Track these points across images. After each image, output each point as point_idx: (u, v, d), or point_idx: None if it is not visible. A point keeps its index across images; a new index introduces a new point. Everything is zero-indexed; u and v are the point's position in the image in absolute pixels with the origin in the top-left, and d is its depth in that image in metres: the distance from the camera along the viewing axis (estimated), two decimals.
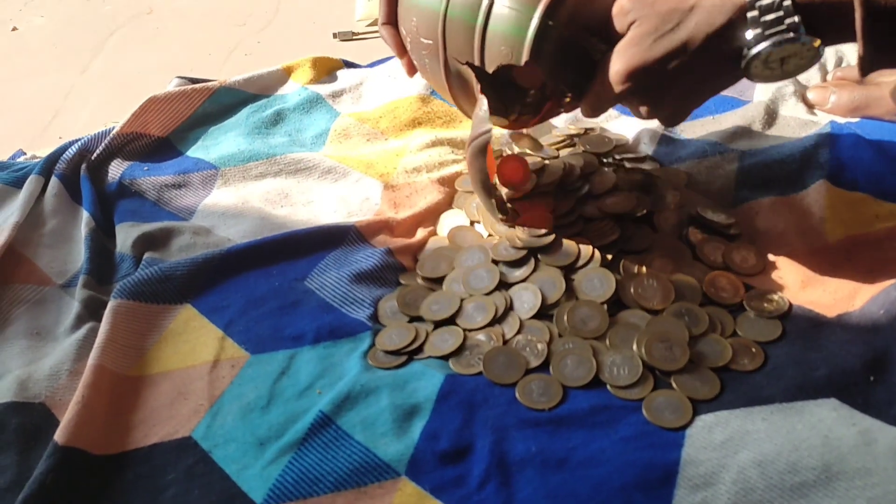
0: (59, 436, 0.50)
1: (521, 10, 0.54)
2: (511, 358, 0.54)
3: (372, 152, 0.77)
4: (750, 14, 0.47)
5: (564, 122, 0.78)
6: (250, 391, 0.54)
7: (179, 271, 0.63)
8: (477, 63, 0.57)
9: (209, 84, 0.86)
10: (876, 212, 0.62)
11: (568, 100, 0.61)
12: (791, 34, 0.47)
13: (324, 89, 0.87)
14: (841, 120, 0.72)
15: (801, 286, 0.58)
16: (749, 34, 0.47)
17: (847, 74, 0.77)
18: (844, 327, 0.54)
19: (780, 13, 0.46)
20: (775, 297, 0.57)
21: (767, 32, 0.47)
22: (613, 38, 0.52)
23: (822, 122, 0.72)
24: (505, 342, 0.56)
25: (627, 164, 0.70)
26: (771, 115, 0.74)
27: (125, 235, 0.68)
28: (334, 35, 1.07)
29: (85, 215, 0.71)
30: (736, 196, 0.66)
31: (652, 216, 0.64)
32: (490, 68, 0.56)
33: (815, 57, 0.49)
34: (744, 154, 0.69)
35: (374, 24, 1.09)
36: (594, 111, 0.57)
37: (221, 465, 0.50)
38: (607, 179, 0.66)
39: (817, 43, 0.47)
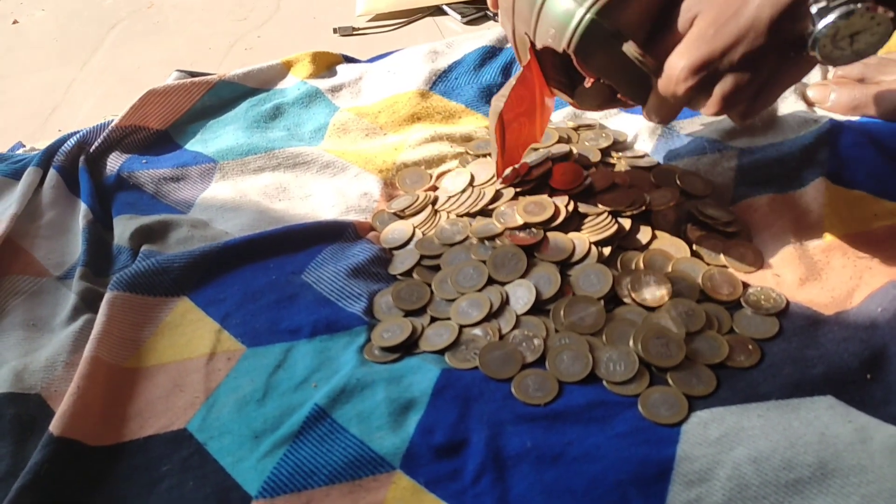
0: (54, 427, 0.50)
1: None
2: (507, 353, 0.54)
3: (371, 147, 0.77)
4: None
5: (563, 118, 0.78)
6: (246, 384, 0.54)
7: (177, 264, 0.63)
8: (532, 37, 0.56)
9: (208, 78, 0.86)
10: (875, 210, 0.62)
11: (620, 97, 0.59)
12: (858, 5, 0.44)
13: (323, 84, 0.87)
14: (841, 118, 0.72)
15: (798, 284, 0.58)
16: (813, 9, 0.45)
17: (848, 73, 0.76)
18: (842, 325, 0.54)
19: None
20: (773, 294, 0.57)
21: (833, 4, 0.44)
22: (674, 45, 0.51)
23: (821, 120, 0.72)
24: (501, 337, 0.56)
25: (626, 161, 0.70)
26: (770, 113, 0.73)
27: (123, 228, 0.68)
28: (334, 30, 1.07)
29: (83, 207, 0.71)
30: (734, 193, 0.66)
31: (650, 213, 0.64)
32: (538, 45, 0.56)
33: (886, 33, 0.46)
34: (742, 151, 0.69)
35: (374, 19, 1.09)
36: (660, 116, 0.55)
37: (216, 457, 0.50)
38: (606, 175, 0.66)
39: (890, 14, 0.45)
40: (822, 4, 0.45)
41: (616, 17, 0.52)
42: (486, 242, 0.62)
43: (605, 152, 0.71)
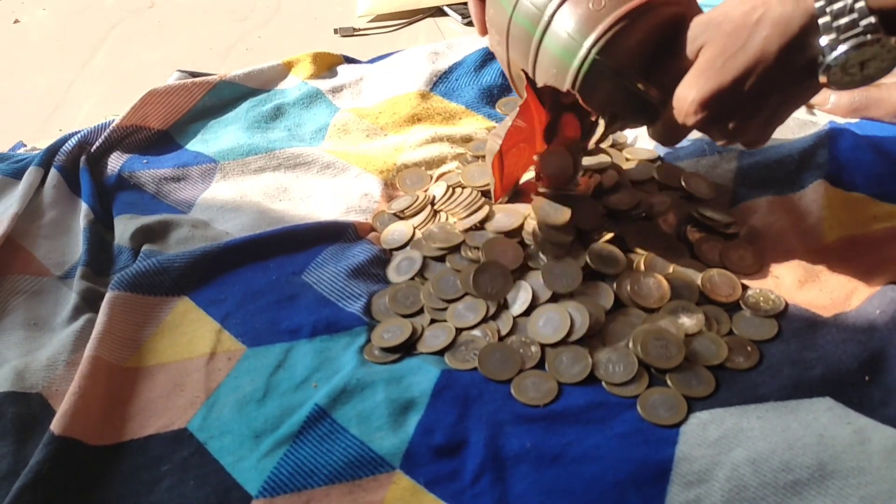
0: (55, 426, 0.50)
1: (573, 37, 0.52)
2: (506, 354, 0.54)
3: (371, 148, 0.77)
4: (822, 20, 0.44)
5: None
6: (246, 384, 0.55)
7: (177, 264, 0.63)
8: (531, 74, 0.56)
9: (209, 78, 0.86)
10: (874, 212, 0.62)
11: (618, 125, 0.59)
12: (868, 36, 0.44)
13: (324, 84, 0.87)
14: (840, 120, 0.72)
15: (797, 285, 0.58)
16: (823, 41, 0.45)
17: None
18: (840, 327, 0.54)
19: (855, 15, 0.44)
20: (772, 296, 0.57)
21: (843, 37, 0.44)
22: (681, 72, 0.50)
23: (821, 122, 0.72)
24: (500, 339, 0.56)
25: (627, 162, 0.70)
26: None
27: (123, 228, 0.69)
28: (335, 31, 1.07)
29: (84, 207, 0.71)
30: (734, 195, 0.66)
31: (651, 214, 0.64)
32: (539, 83, 0.56)
33: (895, 59, 0.46)
34: (743, 153, 0.69)
35: (375, 20, 1.09)
36: (666, 142, 0.55)
37: (217, 456, 0.50)
38: (610, 177, 0.66)
39: None
40: (832, 36, 0.44)
41: (618, 52, 0.52)
42: (470, 253, 0.61)
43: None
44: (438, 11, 1.09)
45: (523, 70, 0.57)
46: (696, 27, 0.50)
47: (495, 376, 0.53)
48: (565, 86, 0.54)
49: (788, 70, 0.47)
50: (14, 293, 0.64)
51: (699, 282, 0.58)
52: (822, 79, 0.46)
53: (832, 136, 0.68)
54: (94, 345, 0.55)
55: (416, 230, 0.66)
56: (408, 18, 1.08)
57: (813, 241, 0.61)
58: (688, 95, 0.49)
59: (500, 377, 0.53)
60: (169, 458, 0.51)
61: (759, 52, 0.46)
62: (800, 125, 0.72)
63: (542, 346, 0.55)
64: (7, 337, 0.60)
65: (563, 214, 0.60)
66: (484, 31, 0.61)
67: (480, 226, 0.63)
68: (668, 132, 0.54)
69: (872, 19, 0.44)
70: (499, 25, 0.57)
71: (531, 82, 0.57)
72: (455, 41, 0.92)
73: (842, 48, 0.44)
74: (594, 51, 0.52)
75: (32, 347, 0.59)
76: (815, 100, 0.76)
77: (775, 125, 0.52)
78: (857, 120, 0.72)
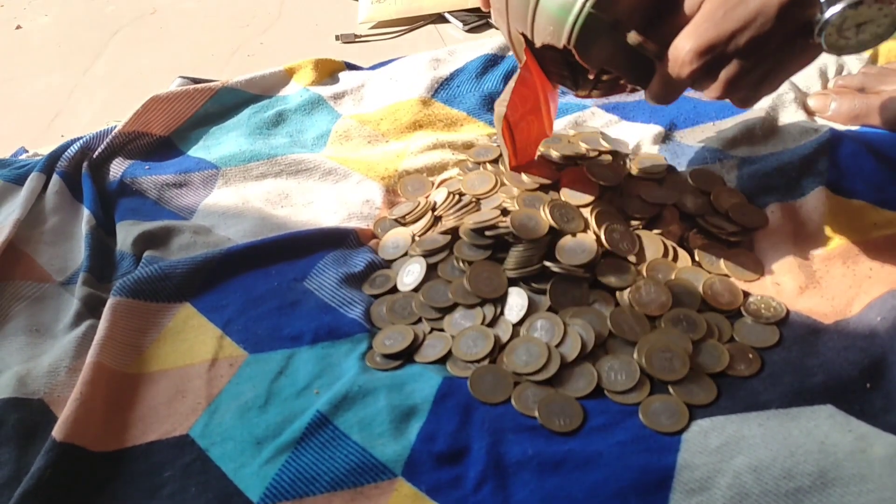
0: (56, 432, 0.50)
1: None
2: (498, 377, 0.54)
3: (373, 154, 0.77)
4: None
5: (564, 126, 0.78)
6: (248, 390, 0.55)
7: (179, 270, 0.63)
8: (529, 35, 0.56)
9: (211, 84, 0.87)
10: (874, 220, 0.62)
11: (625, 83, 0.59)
12: None
13: (325, 91, 0.87)
14: (841, 127, 0.72)
15: (798, 293, 0.58)
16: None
17: (848, 83, 0.77)
18: (841, 334, 0.54)
19: None
20: (773, 303, 0.57)
21: None
22: (680, 27, 0.50)
23: (821, 129, 0.72)
24: (502, 346, 0.56)
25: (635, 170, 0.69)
26: (771, 122, 0.74)
27: (125, 234, 0.69)
28: (337, 37, 1.07)
29: (86, 213, 0.71)
30: None
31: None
32: (537, 43, 0.56)
33: (892, 24, 0.46)
34: (743, 161, 0.69)
35: (376, 26, 1.09)
36: (663, 98, 0.55)
37: (218, 463, 0.50)
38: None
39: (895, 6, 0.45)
40: None
41: (613, 6, 0.51)
42: (461, 263, 0.61)
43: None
44: (440, 18, 1.09)
45: (521, 33, 0.56)
46: None
47: (488, 399, 0.53)
48: (561, 41, 0.53)
49: (787, 25, 0.47)
50: (16, 299, 0.64)
51: (700, 288, 0.58)
52: (818, 39, 0.47)
53: (833, 144, 0.69)
54: (95, 351, 0.56)
55: (416, 237, 0.66)
56: (409, 25, 1.08)
57: (814, 247, 0.61)
58: (684, 45, 0.50)
59: (492, 400, 0.53)
60: (170, 465, 0.51)
61: (759, 4, 0.46)
62: (800, 132, 0.72)
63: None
64: (9, 343, 0.60)
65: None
66: (487, 5, 0.60)
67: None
68: (664, 87, 0.54)
69: None
70: None
71: (529, 44, 0.56)
72: (456, 48, 0.92)
73: (839, 5, 0.45)
74: (589, 4, 0.51)
75: (34, 353, 0.59)
76: (815, 107, 0.76)
77: (770, 85, 0.52)
78: (857, 127, 0.73)
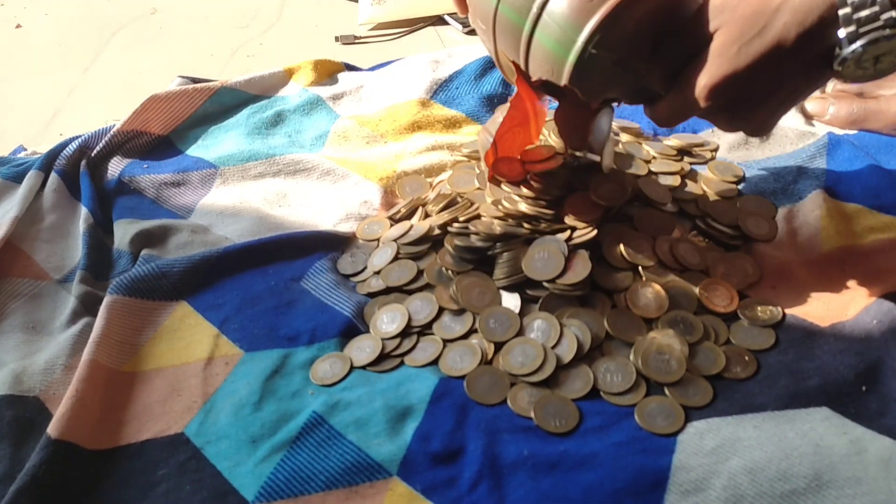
0: (52, 429, 0.50)
1: (565, 29, 0.49)
2: (494, 378, 0.54)
3: (371, 155, 0.78)
4: (842, 11, 0.43)
5: None
6: (243, 388, 0.55)
7: (176, 269, 0.63)
8: (522, 66, 0.54)
9: (210, 84, 0.87)
10: (871, 224, 0.62)
11: (619, 104, 0.58)
12: (888, 30, 0.43)
13: (324, 91, 0.87)
14: (839, 132, 0.72)
15: (795, 296, 0.58)
16: (842, 33, 0.44)
17: (846, 87, 0.77)
18: (837, 337, 0.54)
19: (876, 8, 0.43)
20: (769, 306, 0.57)
21: (862, 30, 0.43)
22: (682, 52, 0.49)
23: (819, 133, 0.73)
24: (498, 347, 0.56)
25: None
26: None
27: (123, 232, 0.69)
28: (336, 38, 1.08)
29: (83, 211, 0.71)
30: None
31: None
32: (533, 77, 0.54)
33: None
34: (741, 165, 0.70)
35: (376, 28, 1.10)
36: (669, 124, 0.53)
37: (213, 461, 0.50)
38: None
39: None
40: (852, 28, 0.44)
41: (616, 43, 0.50)
42: (450, 271, 0.61)
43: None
44: (439, 20, 1.09)
45: (514, 62, 0.54)
46: (711, 9, 0.48)
47: (484, 400, 0.53)
48: (563, 81, 0.52)
49: (804, 60, 0.46)
50: (13, 296, 0.64)
51: (697, 291, 0.58)
52: (836, 68, 0.45)
53: (830, 148, 0.69)
54: (91, 349, 0.55)
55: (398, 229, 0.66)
56: (409, 27, 1.08)
57: (810, 251, 0.61)
58: (699, 80, 0.48)
59: (488, 401, 0.53)
60: (165, 463, 0.51)
61: (777, 39, 0.45)
62: (798, 136, 0.72)
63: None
64: (5, 340, 0.60)
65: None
66: (465, 10, 0.58)
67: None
68: (671, 116, 0.52)
69: (894, 13, 0.43)
70: (483, 14, 0.54)
71: (524, 76, 0.55)
72: (456, 50, 0.93)
73: (859, 42, 0.43)
74: (591, 45, 0.49)
75: (30, 351, 0.59)
76: (813, 111, 0.76)
77: (781, 114, 0.51)
78: (855, 131, 0.73)
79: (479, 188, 0.66)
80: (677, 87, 0.50)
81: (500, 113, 0.57)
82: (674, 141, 0.72)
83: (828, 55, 0.45)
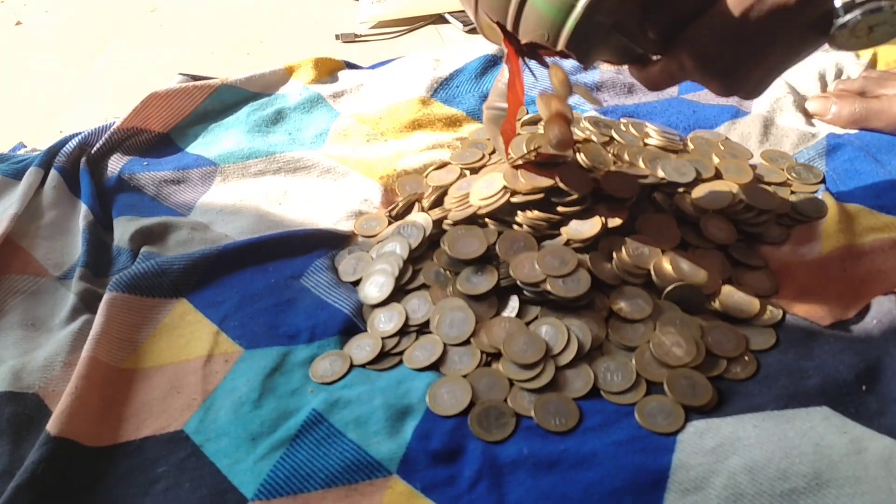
0: (51, 426, 0.50)
1: None
2: (494, 379, 0.54)
3: (371, 153, 0.77)
4: None
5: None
6: (243, 386, 0.54)
7: (176, 266, 0.63)
8: (510, 28, 0.52)
9: (211, 82, 0.87)
10: (872, 224, 0.62)
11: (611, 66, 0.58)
12: (884, 2, 0.44)
13: (325, 89, 0.87)
14: (840, 131, 0.72)
15: (795, 295, 0.58)
16: (838, 1, 0.45)
17: (849, 86, 0.77)
18: (837, 337, 0.54)
19: None
20: (769, 306, 0.57)
21: (858, 0, 0.44)
22: (681, 14, 0.49)
23: (820, 133, 0.73)
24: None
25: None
26: (769, 126, 0.74)
27: (123, 229, 0.69)
28: (337, 37, 1.08)
29: (83, 208, 0.71)
30: None
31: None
32: (523, 40, 0.53)
33: None
34: None
35: (376, 26, 1.09)
36: (659, 88, 0.54)
37: (213, 459, 0.50)
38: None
39: None
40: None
41: (614, 8, 0.49)
42: (447, 272, 0.61)
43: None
44: (440, 18, 1.09)
45: (498, 23, 0.53)
46: None
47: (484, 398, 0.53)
48: (559, 46, 0.51)
49: (801, 24, 0.47)
50: (12, 293, 0.64)
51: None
52: (829, 39, 0.46)
53: (831, 147, 0.69)
54: (91, 346, 0.55)
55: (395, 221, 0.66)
56: (409, 25, 1.08)
57: (811, 251, 0.61)
58: (698, 42, 0.48)
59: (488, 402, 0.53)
60: (165, 460, 0.51)
61: (776, 5, 0.45)
62: (799, 136, 0.72)
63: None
64: (4, 337, 0.60)
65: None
66: None
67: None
68: (665, 78, 0.53)
69: None
70: None
71: (510, 37, 0.53)
72: (456, 48, 0.93)
73: (857, 11, 0.44)
74: (592, 10, 0.49)
75: (30, 347, 0.59)
76: (815, 110, 0.76)
77: (773, 78, 0.51)
78: (856, 131, 0.73)
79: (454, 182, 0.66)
80: (674, 50, 0.50)
81: (500, 81, 0.56)
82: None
83: (822, 22, 0.46)
